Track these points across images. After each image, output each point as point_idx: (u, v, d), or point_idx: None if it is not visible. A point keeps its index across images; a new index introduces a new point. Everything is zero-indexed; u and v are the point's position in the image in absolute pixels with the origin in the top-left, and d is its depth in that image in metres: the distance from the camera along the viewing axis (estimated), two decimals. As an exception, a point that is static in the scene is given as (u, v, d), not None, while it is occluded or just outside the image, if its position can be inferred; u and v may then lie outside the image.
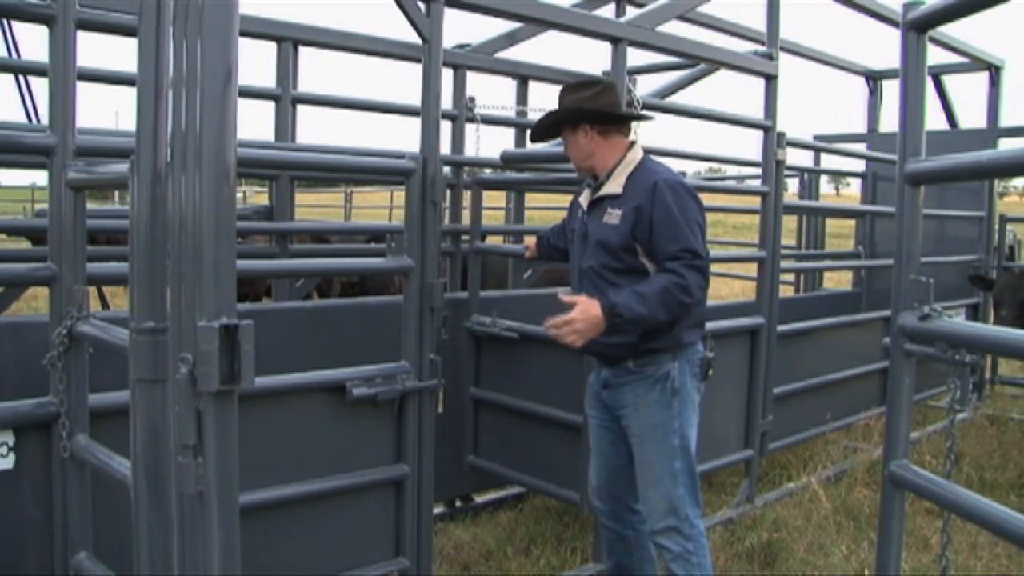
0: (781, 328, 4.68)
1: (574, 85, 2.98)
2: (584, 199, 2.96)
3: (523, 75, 5.37)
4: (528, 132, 3.13)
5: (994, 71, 6.99)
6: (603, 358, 2.89)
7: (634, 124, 3.55)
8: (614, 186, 2.82)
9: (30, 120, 4.32)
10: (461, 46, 5.10)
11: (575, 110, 2.86)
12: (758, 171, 5.17)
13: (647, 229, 2.69)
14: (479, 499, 4.36)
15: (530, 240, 3.52)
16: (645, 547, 3.02)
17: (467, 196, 4.45)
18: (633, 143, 2.93)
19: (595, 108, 2.85)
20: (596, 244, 2.81)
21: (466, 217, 4.49)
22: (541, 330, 3.57)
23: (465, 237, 4.74)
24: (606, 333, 2.61)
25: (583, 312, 2.57)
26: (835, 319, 5.52)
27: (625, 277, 2.73)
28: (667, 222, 2.67)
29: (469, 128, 4.96)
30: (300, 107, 4.77)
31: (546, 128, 2.98)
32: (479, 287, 3.99)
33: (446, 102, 4.40)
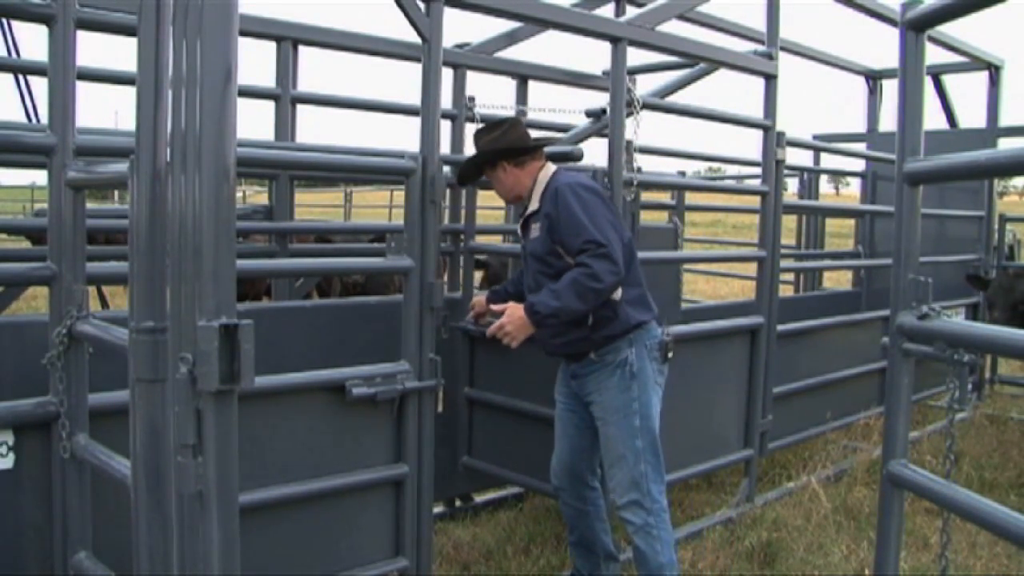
0: (781, 328, 4.68)
1: (483, 129, 3.28)
2: (521, 226, 3.22)
3: (523, 75, 5.36)
4: (458, 177, 3.39)
5: (993, 70, 6.99)
6: (568, 356, 3.12)
7: (632, 125, 3.58)
8: (534, 204, 3.11)
9: (30, 120, 4.32)
10: (461, 46, 5.10)
11: (491, 152, 3.14)
12: (758, 171, 5.16)
13: (557, 232, 2.94)
14: (479, 499, 4.36)
15: (478, 299, 3.56)
16: (603, 520, 3.28)
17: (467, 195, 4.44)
18: (543, 164, 3.17)
19: (507, 146, 3.13)
20: (530, 258, 3.09)
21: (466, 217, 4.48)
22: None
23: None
24: (543, 331, 2.93)
25: (509, 316, 2.91)
26: (835, 319, 5.52)
27: (557, 280, 2.91)
28: (569, 220, 2.91)
29: (469, 128, 4.95)
30: (300, 107, 4.76)
31: (470, 172, 3.26)
32: (472, 287, 3.99)
33: (446, 102, 4.40)
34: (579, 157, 3.53)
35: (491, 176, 3.20)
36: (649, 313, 3.09)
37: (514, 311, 2.90)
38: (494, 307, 3.06)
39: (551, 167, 3.18)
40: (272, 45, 4.53)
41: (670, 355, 3.14)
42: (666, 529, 3.00)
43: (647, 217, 4.99)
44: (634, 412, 2.98)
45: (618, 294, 2.97)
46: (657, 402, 3.05)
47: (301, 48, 4.68)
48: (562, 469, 3.22)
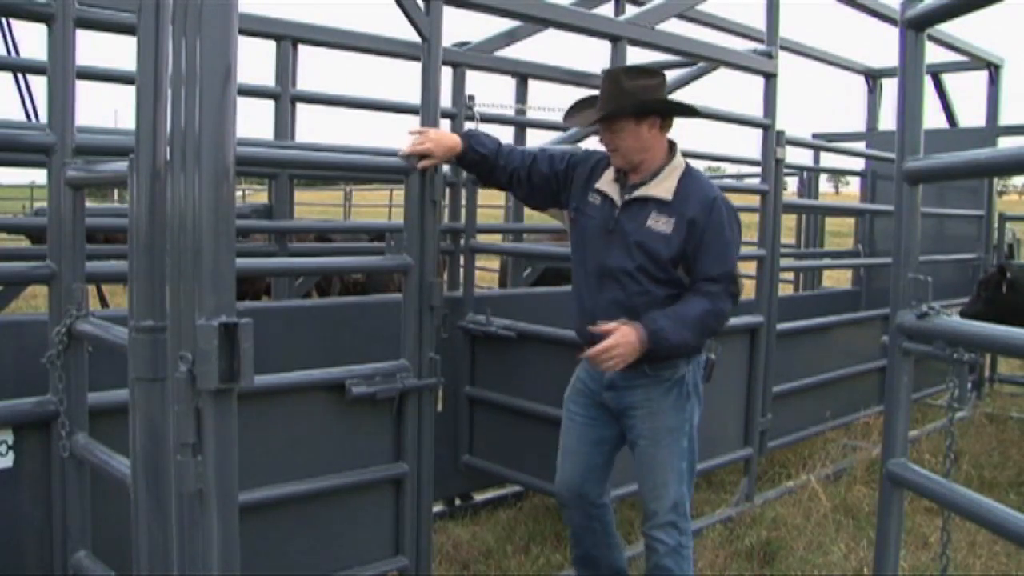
0: (780, 327, 4.68)
1: (634, 71, 2.79)
2: (613, 191, 2.77)
3: (522, 73, 5.36)
4: (572, 118, 2.91)
5: (993, 69, 6.99)
6: None
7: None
8: (661, 190, 2.70)
9: (29, 118, 4.30)
10: (460, 44, 5.10)
11: (661, 102, 2.73)
12: (757, 169, 5.16)
13: (696, 244, 2.65)
14: (479, 497, 4.36)
15: (429, 137, 2.84)
16: (613, 535, 3.01)
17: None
18: (673, 143, 2.80)
19: (679, 103, 2.78)
20: (636, 246, 2.68)
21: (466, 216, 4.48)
22: (537, 328, 3.57)
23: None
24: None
25: (623, 337, 2.55)
26: (834, 318, 5.52)
27: (664, 287, 2.69)
28: (718, 242, 2.66)
29: (469, 126, 4.95)
30: (299, 105, 4.77)
31: (610, 111, 2.68)
32: (473, 286, 3.99)
33: (445, 100, 4.40)
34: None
35: (627, 128, 2.67)
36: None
37: (627, 334, 2.54)
38: (598, 329, 2.58)
39: (680, 155, 2.80)
40: (272, 44, 4.53)
41: (712, 374, 2.93)
42: (692, 546, 2.86)
43: (647, 216, 4.98)
44: (685, 433, 2.77)
45: None
46: (698, 418, 2.87)
47: (301, 47, 4.68)
48: (568, 488, 2.91)
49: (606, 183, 2.80)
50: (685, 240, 2.65)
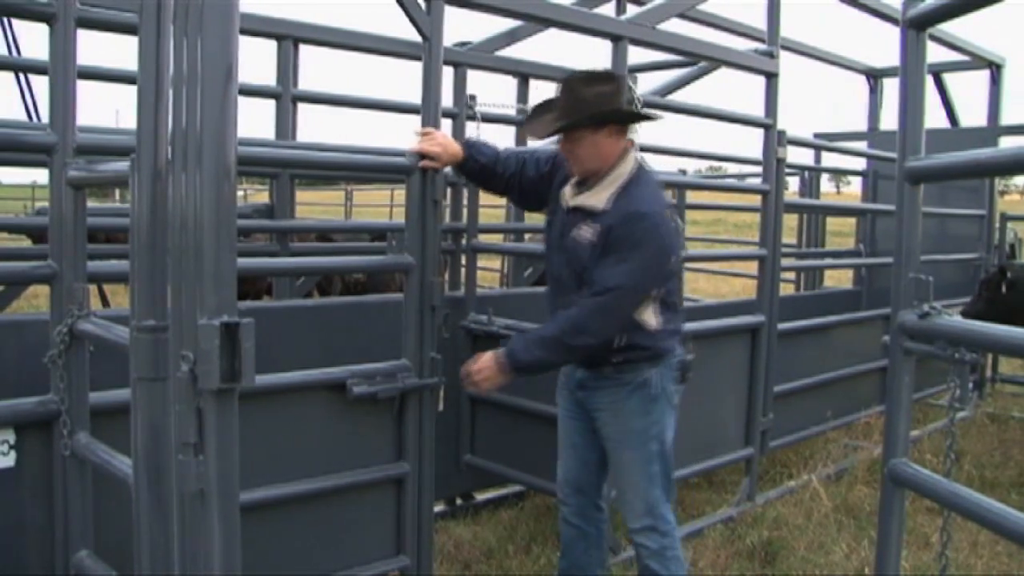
0: (782, 326, 4.67)
1: (590, 78, 2.68)
2: (569, 196, 2.77)
3: (523, 73, 5.37)
4: (531, 124, 2.87)
5: (995, 69, 6.99)
6: (581, 361, 2.81)
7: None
8: (598, 200, 2.66)
9: (30, 118, 4.32)
10: (462, 44, 5.10)
11: (618, 111, 2.68)
12: (759, 169, 5.16)
13: (608, 251, 2.60)
14: (480, 497, 4.36)
15: (438, 141, 2.89)
16: (603, 548, 3.02)
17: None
18: (627, 148, 2.71)
19: (629, 109, 2.68)
20: (569, 254, 2.72)
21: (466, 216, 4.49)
22: (537, 328, 3.56)
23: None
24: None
25: (484, 363, 2.68)
26: (835, 317, 5.51)
27: None
28: (616, 254, 2.57)
29: (470, 126, 4.95)
30: (300, 105, 4.78)
31: (574, 124, 2.63)
32: (475, 285, 3.99)
33: (446, 100, 4.40)
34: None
35: (585, 137, 2.63)
36: (678, 337, 2.84)
37: (487, 359, 2.66)
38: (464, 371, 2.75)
39: (632, 157, 2.70)
40: (273, 44, 4.54)
41: (688, 375, 2.89)
42: (678, 547, 2.85)
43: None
44: (652, 437, 2.74)
45: (659, 322, 2.70)
46: (673, 423, 2.82)
47: (302, 47, 4.69)
48: (568, 484, 2.95)
49: (568, 188, 2.80)
50: (603, 249, 2.60)
